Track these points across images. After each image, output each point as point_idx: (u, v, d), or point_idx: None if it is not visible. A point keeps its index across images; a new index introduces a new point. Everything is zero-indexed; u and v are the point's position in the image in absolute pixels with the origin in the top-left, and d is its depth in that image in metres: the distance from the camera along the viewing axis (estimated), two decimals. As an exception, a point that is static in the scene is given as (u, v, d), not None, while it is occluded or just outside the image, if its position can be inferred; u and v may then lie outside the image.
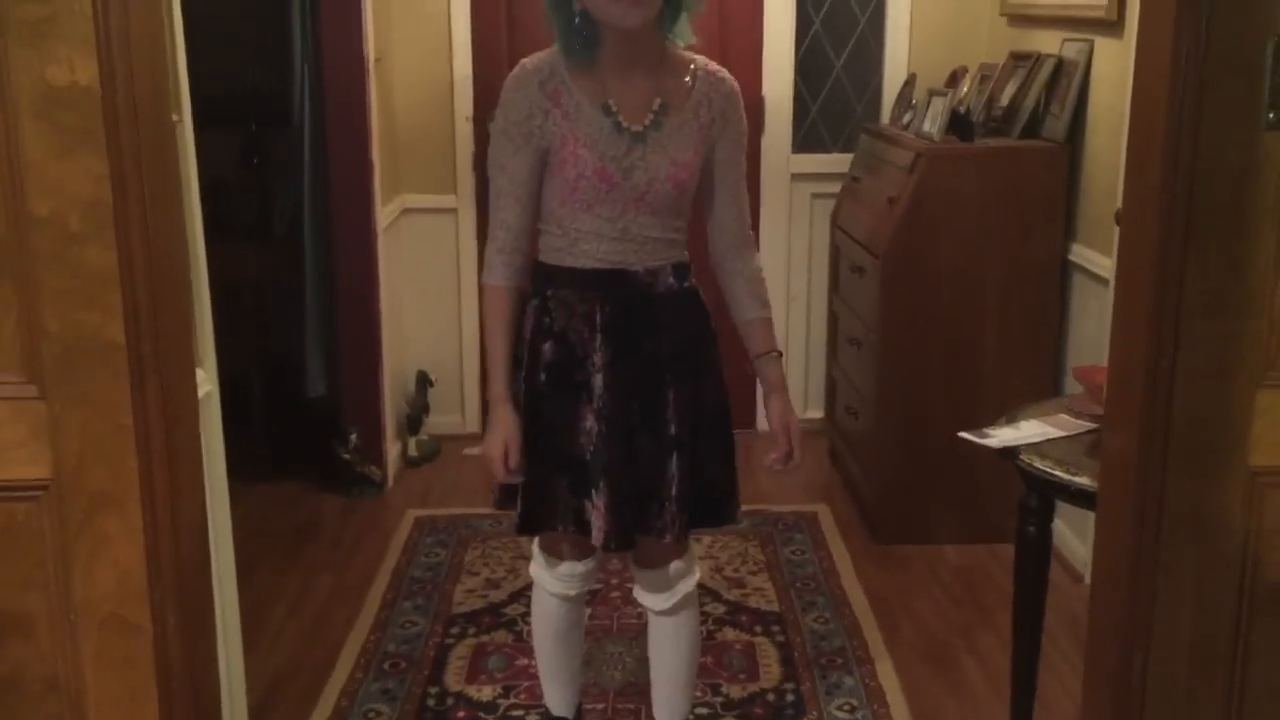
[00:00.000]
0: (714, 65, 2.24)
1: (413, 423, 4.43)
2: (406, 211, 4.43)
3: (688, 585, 2.34)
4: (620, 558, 2.80)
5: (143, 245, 1.62)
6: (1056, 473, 2.10)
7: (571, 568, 2.36)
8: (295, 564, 3.56)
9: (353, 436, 4.07)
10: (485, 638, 3.12)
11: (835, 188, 4.31)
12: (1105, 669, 1.82)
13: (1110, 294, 3.24)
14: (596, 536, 2.19)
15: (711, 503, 2.25)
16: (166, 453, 1.70)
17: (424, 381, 4.50)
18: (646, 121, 2.14)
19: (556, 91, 2.12)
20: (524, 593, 3.34)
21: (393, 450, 4.24)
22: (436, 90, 4.37)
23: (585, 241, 2.16)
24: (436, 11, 4.31)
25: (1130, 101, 1.70)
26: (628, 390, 2.17)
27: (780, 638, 3.11)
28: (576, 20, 2.07)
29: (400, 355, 4.40)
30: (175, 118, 2.09)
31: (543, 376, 2.18)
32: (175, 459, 1.73)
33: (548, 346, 2.17)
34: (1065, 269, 3.54)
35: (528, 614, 3.20)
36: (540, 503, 2.21)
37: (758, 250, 2.36)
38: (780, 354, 2.34)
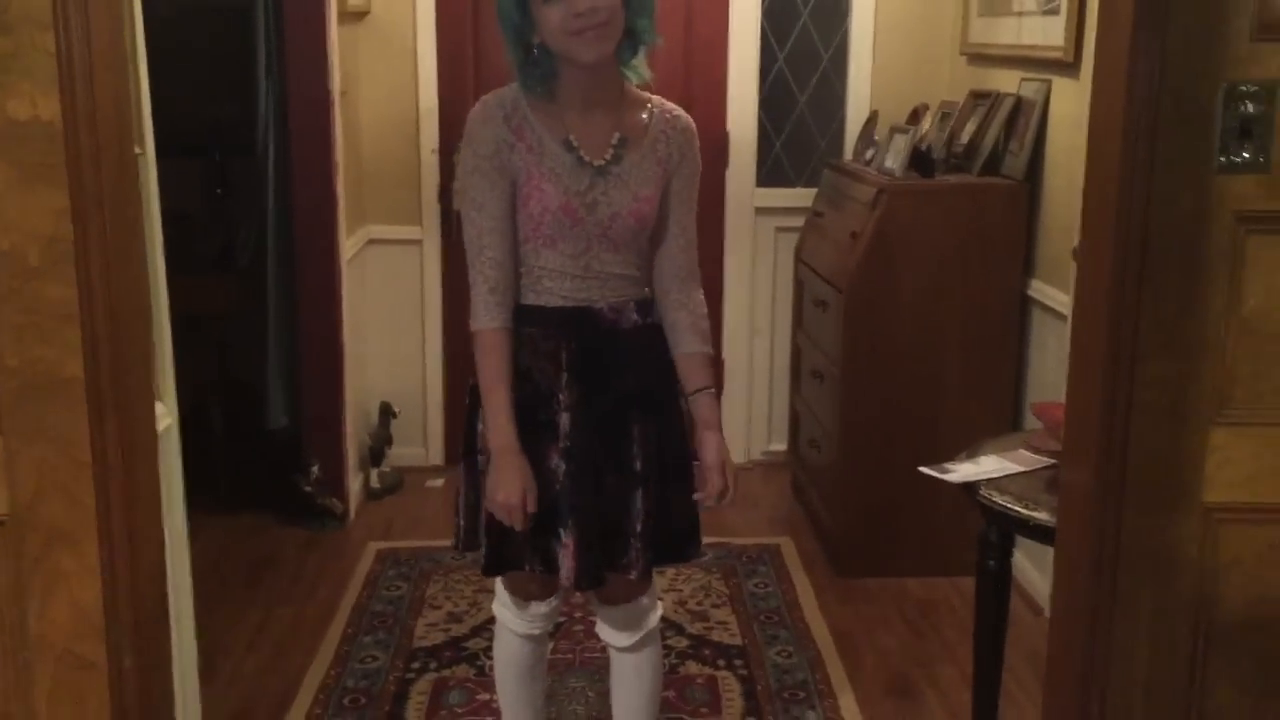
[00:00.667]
0: (670, 104, 2.25)
1: (375, 454, 4.40)
2: (372, 242, 4.43)
3: (651, 622, 2.34)
4: (583, 593, 2.78)
5: (103, 280, 1.61)
6: (1015, 508, 2.12)
7: (537, 607, 2.35)
8: (255, 597, 3.52)
9: (314, 469, 4.04)
10: (446, 672, 3.10)
11: (799, 222, 4.34)
12: (1064, 704, 1.84)
13: (1069, 330, 3.29)
14: (566, 576, 2.18)
15: (677, 534, 2.25)
16: (125, 489, 1.68)
17: (387, 413, 4.48)
18: (607, 156, 2.14)
19: (520, 126, 2.12)
20: (486, 626, 3.32)
21: (355, 482, 4.22)
22: (402, 122, 4.38)
23: (549, 279, 2.16)
24: (403, 45, 4.32)
25: (1086, 144, 1.73)
26: (594, 428, 2.16)
27: (743, 671, 3.11)
28: (535, 53, 2.08)
29: (363, 386, 4.38)
30: (137, 150, 2.08)
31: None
32: (134, 495, 1.71)
33: (518, 394, 2.15)
34: (1024, 304, 3.58)
35: (490, 648, 3.18)
36: (507, 543, 2.20)
37: (701, 287, 2.30)
38: (715, 390, 2.31)
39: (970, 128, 3.78)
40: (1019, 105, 3.58)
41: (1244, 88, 1.58)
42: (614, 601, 2.31)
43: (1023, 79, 3.60)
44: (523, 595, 2.34)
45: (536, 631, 2.38)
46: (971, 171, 3.65)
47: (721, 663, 3.15)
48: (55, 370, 1.61)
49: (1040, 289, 3.51)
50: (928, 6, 4.34)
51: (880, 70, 4.40)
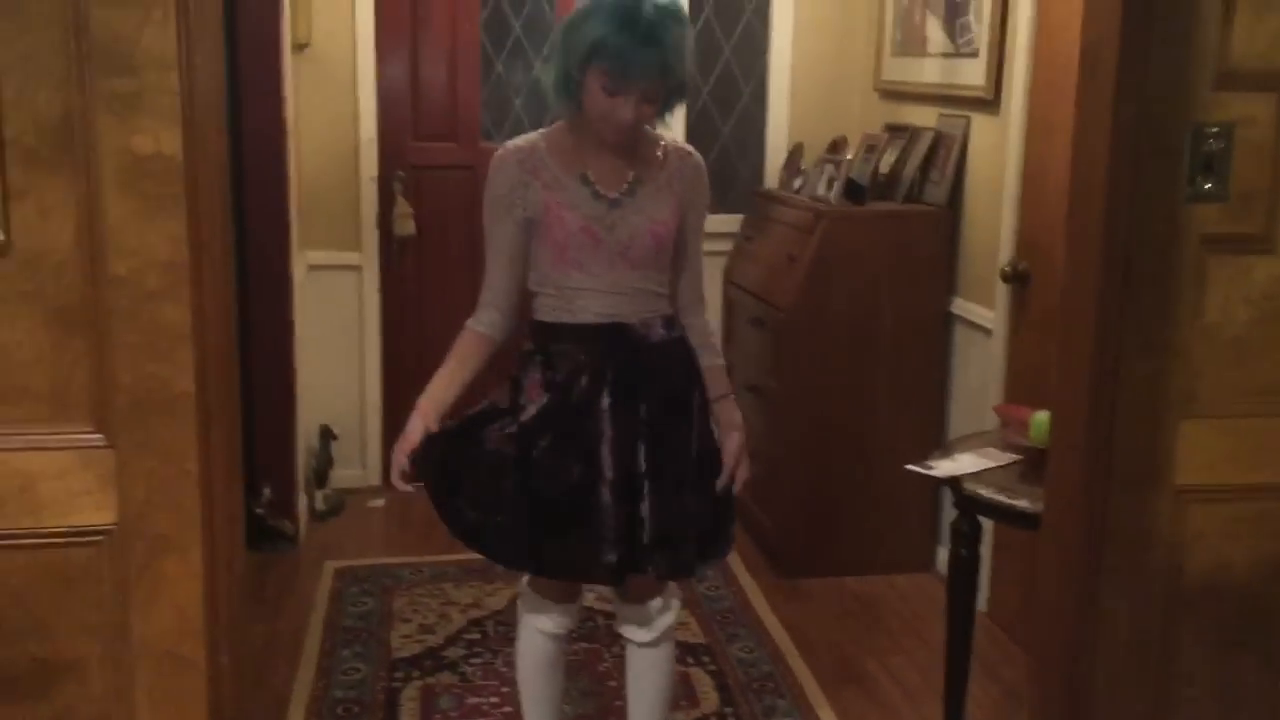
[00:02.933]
0: (680, 142, 2.49)
1: (319, 476, 4.47)
2: (312, 268, 4.51)
3: (668, 619, 2.52)
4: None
5: (214, 302, 1.74)
6: (1000, 498, 2.39)
7: (566, 609, 2.51)
8: (223, 618, 3.57)
9: (266, 491, 4.10)
10: (431, 680, 3.22)
11: (724, 246, 4.59)
12: (1054, 662, 2.10)
13: (990, 342, 3.62)
14: (604, 576, 2.35)
15: (706, 535, 2.45)
16: (226, 497, 1.80)
17: (327, 435, 4.56)
18: (622, 189, 2.35)
19: (535, 167, 2.34)
20: (461, 636, 3.46)
21: (300, 504, 4.28)
22: (342, 151, 4.48)
23: (582, 298, 2.34)
24: (343, 76, 4.43)
25: (1070, 181, 2.00)
26: (631, 437, 2.32)
27: (712, 667, 3.31)
28: (571, 94, 2.28)
29: (304, 409, 4.45)
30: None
31: (540, 425, 2.33)
32: (229, 502, 1.83)
33: (548, 398, 2.33)
34: (948, 320, 3.90)
35: (468, 655, 3.34)
36: (561, 550, 2.34)
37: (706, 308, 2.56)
38: (733, 395, 2.54)
39: (889, 158, 4.09)
40: (939, 138, 3.90)
41: (1208, 129, 1.87)
42: (635, 600, 2.49)
43: (941, 114, 3.93)
44: (550, 595, 2.49)
45: (562, 631, 2.54)
46: (896, 199, 3.96)
47: (691, 660, 3.34)
48: (168, 386, 1.72)
49: (963, 306, 3.82)
50: (840, 46, 4.65)
51: (798, 104, 4.70)
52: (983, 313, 3.69)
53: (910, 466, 2.54)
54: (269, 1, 3.83)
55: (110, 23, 1.60)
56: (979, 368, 3.74)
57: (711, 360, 2.52)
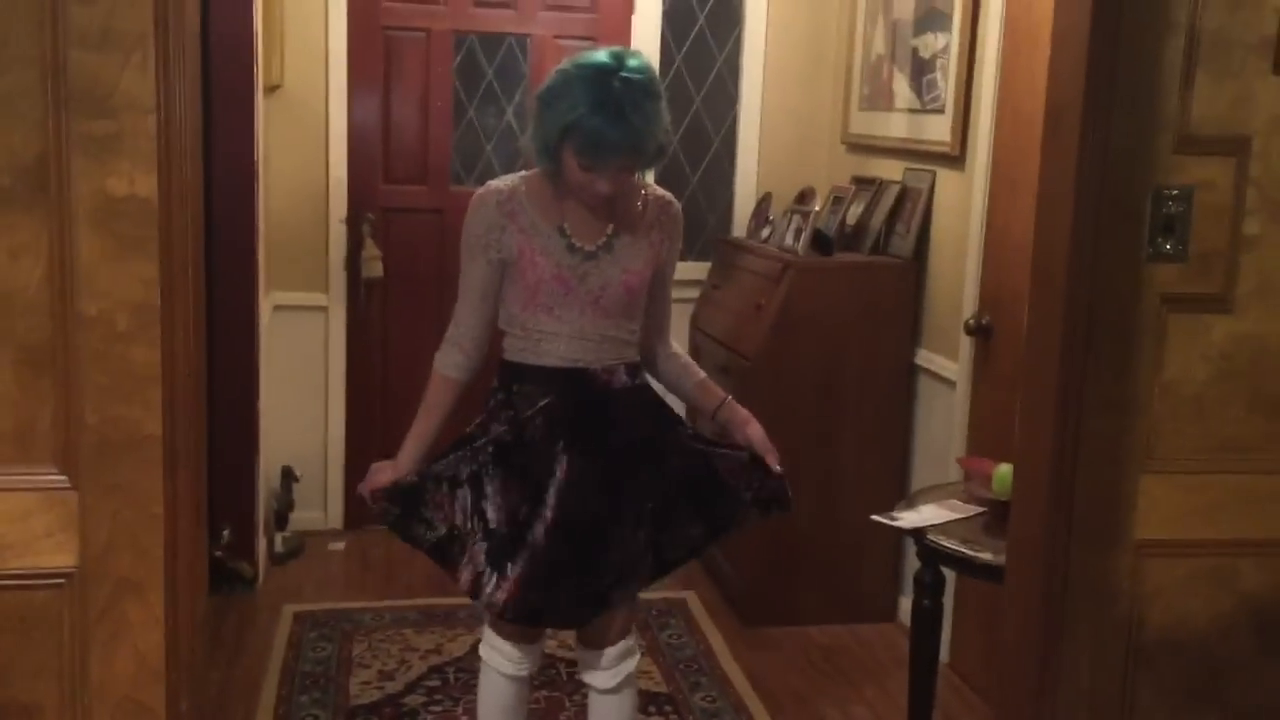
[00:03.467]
0: (659, 190, 2.53)
1: (279, 518, 4.43)
2: (278, 308, 4.49)
3: (629, 665, 2.52)
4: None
5: (185, 344, 1.74)
6: (963, 550, 2.41)
7: (527, 650, 2.51)
8: (179, 662, 3.52)
9: (225, 532, 4.06)
10: (391, 727, 3.19)
11: (691, 293, 4.62)
12: (1016, 715, 2.11)
13: (953, 394, 3.65)
14: (496, 601, 2.34)
15: (724, 515, 2.50)
16: (190, 541, 1.79)
17: (289, 476, 4.52)
18: (599, 243, 2.39)
19: (513, 211, 2.38)
20: (420, 683, 3.43)
21: (261, 546, 4.24)
22: (312, 192, 4.48)
23: (548, 341, 2.38)
24: (314, 118, 4.44)
25: (1034, 239, 2.04)
26: (585, 480, 2.35)
27: (675, 716, 3.30)
28: (554, 164, 2.32)
29: (267, 450, 4.42)
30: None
31: (494, 457, 2.38)
32: (192, 546, 1.82)
33: (504, 430, 2.38)
34: (912, 371, 3.94)
35: (429, 703, 3.31)
36: (544, 597, 2.36)
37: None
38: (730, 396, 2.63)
39: (856, 210, 4.15)
40: (905, 192, 3.96)
41: (1168, 191, 1.92)
42: (595, 645, 2.49)
43: (907, 168, 3.99)
44: (514, 637, 2.49)
45: (524, 673, 2.53)
46: (862, 250, 4.01)
47: (653, 709, 3.33)
48: (136, 428, 1.71)
49: (927, 357, 3.87)
50: (808, 99, 4.72)
51: (766, 154, 4.76)
52: (946, 364, 3.73)
53: (875, 517, 2.56)
54: (242, 44, 3.85)
55: (89, 65, 1.61)
56: (942, 419, 3.77)
57: (700, 375, 2.63)
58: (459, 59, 4.56)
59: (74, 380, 1.69)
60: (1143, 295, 1.95)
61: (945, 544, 2.44)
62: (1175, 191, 1.92)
